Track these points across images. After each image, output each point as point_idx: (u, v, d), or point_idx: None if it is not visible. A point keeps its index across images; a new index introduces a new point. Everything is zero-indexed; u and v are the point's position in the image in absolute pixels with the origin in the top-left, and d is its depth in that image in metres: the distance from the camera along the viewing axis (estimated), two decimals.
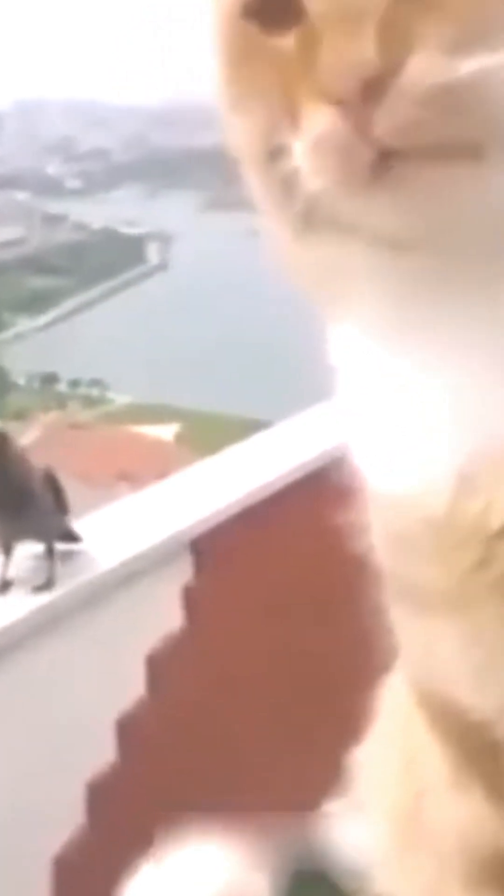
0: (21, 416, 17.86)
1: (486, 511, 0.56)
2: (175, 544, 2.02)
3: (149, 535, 2.00)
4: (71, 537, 1.92)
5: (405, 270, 0.55)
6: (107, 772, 1.90)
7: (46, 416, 17.26)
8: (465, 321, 0.55)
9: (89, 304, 24.63)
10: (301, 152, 0.52)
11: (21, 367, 21.84)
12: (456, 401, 0.56)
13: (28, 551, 1.88)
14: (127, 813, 1.91)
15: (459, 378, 0.56)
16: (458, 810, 0.71)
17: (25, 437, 12.39)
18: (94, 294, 24.76)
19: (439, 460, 0.57)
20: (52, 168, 26.29)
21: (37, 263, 24.43)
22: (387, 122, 0.49)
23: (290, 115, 0.53)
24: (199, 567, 2.06)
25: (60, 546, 1.89)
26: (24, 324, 23.66)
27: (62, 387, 21.62)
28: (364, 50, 0.48)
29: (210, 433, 13.77)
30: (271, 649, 2.14)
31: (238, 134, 0.58)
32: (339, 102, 0.49)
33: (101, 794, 1.89)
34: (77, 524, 1.96)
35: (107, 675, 1.92)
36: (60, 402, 20.82)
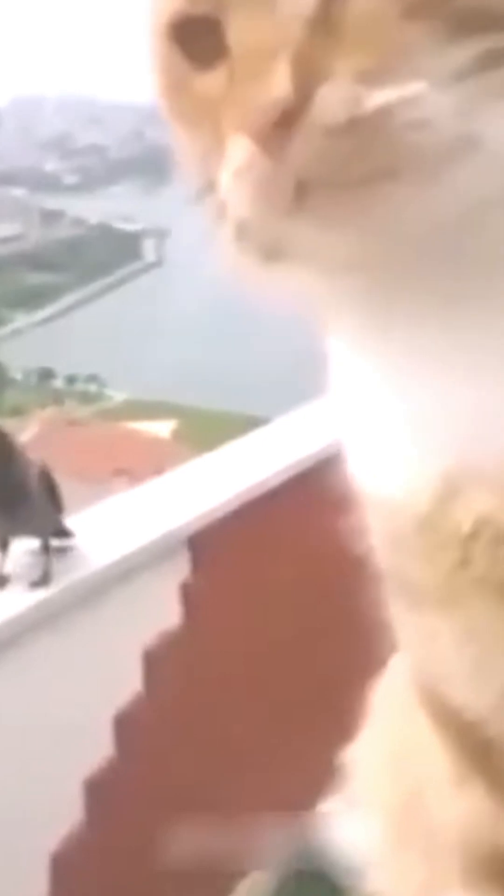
0: (18, 412, 17.88)
1: (461, 513, 0.58)
2: (172, 541, 2.02)
3: (146, 531, 2.00)
4: (64, 534, 1.92)
5: (356, 289, 0.57)
6: (104, 768, 1.89)
7: (43, 413, 17.25)
8: (432, 333, 0.56)
9: (86, 300, 24.64)
10: (225, 183, 0.54)
11: (18, 363, 21.84)
12: (438, 407, 0.57)
13: (23, 547, 1.88)
14: (125, 809, 1.91)
15: (437, 385, 0.57)
16: (459, 807, 0.71)
17: (22, 433, 12.39)
18: (92, 290, 24.77)
19: (424, 464, 0.59)
20: (50, 164, 26.29)
21: (34, 259, 24.44)
22: (300, 152, 0.50)
23: (218, 146, 0.54)
24: (197, 564, 2.05)
25: (54, 542, 1.89)
26: (21, 319, 23.67)
27: (59, 383, 21.63)
28: (278, 83, 0.49)
29: (207, 430, 13.78)
30: (269, 646, 2.14)
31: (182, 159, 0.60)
32: (256, 135, 0.51)
33: (98, 791, 1.89)
34: (74, 521, 1.96)
35: (104, 671, 1.92)
36: (57, 398, 20.84)
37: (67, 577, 1.86)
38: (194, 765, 1.99)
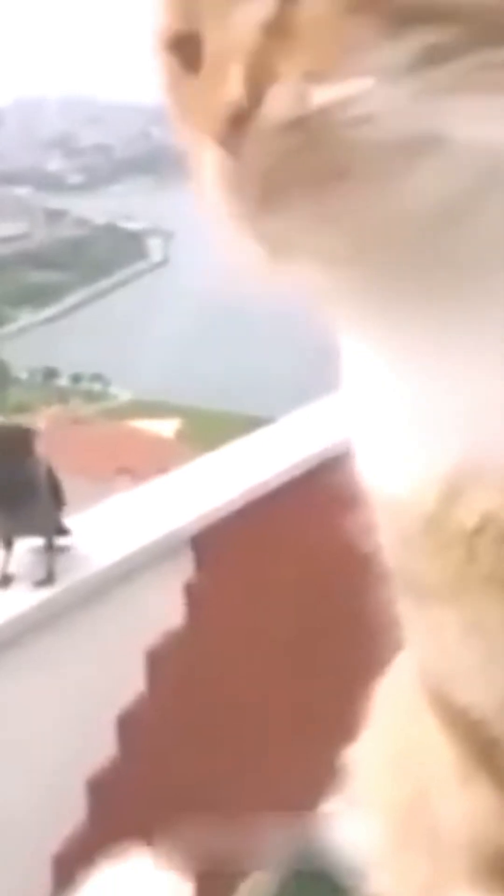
0: (22, 410, 17.90)
1: (466, 511, 0.58)
2: (176, 540, 2.02)
3: (150, 531, 2.00)
4: (61, 531, 1.91)
5: (355, 283, 0.57)
6: (107, 768, 1.90)
7: (47, 411, 17.27)
8: (433, 327, 0.56)
9: (91, 300, 24.68)
10: (207, 183, 0.55)
11: (22, 362, 21.87)
12: (443, 405, 0.58)
13: (26, 546, 1.88)
14: (127, 809, 1.91)
15: (440, 382, 0.57)
16: (465, 806, 0.72)
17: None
18: (96, 289, 24.81)
19: (430, 462, 0.59)
20: (54, 164, 26.33)
21: (38, 258, 24.47)
22: (254, 152, 0.51)
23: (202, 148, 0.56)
24: (200, 563, 2.06)
25: (58, 540, 1.89)
26: (25, 319, 23.71)
27: (63, 382, 21.67)
28: (230, 86, 0.51)
29: (211, 429, 13.79)
30: (272, 645, 2.14)
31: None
32: (215, 136, 0.52)
33: (101, 791, 1.89)
34: (78, 520, 1.96)
35: (107, 671, 1.92)
36: (62, 397, 20.87)
37: (71, 577, 1.86)
38: (197, 764, 1.99)
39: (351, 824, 0.91)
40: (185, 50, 0.55)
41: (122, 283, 24.98)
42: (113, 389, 20.98)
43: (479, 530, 0.58)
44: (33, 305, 23.93)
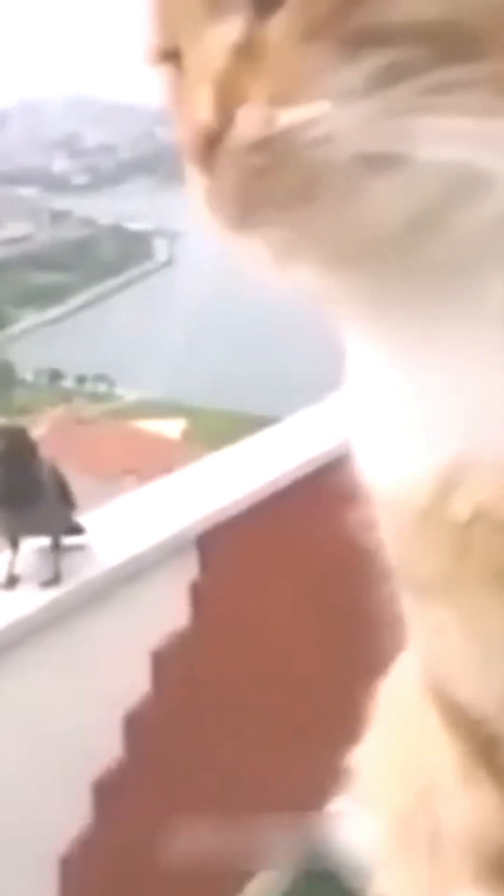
0: (27, 411, 17.92)
1: (460, 503, 0.59)
2: (182, 540, 2.02)
3: (155, 531, 2.00)
4: (75, 530, 1.91)
5: (352, 286, 0.58)
6: (113, 769, 1.90)
7: (53, 412, 17.29)
8: (425, 328, 0.57)
9: (96, 300, 24.69)
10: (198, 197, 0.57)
11: (28, 364, 21.90)
12: (437, 400, 0.58)
13: (32, 546, 1.88)
14: (134, 811, 1.91)
15: (434, 378, 0.58)
16: (468, 806, 0.72)
17: (32, 432, 12.38)
18: (102, 290, 24.82)
19: (426, 456, 0.60)
20: (58, 165, 26.35)
21: (43, 259, 24.50)
22: (226, 172, 0.53)
23: None
24: (206, 563, 2.06)
25: (65, 540, 1.89)
26: (31, 320, 23.73)
27: (69, 383, 21.69)
28: (199, 107, 0.53)
29: (217, 429, 13.80)
30: (277, 645, 2.14)
31: None
32: (190, 155, 0.54)
33: (107, 792, 1.89)
34: (83, 520, 1.96)
35: (113, 671, 1.92)
36: (67, 397, 20.89)
37: (77, 577, 1.86)
38: (202, 765, 1.99)
39: (357, 825, 0.91)
40: (175, 62, 0.57)
41: (127, 284, 25.00)
42: (118, 390, 21.00)
43: (472, 522, 0.59)
44: (38, 306, 23.96)
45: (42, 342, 22.74)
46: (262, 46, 0.52)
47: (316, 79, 0.51)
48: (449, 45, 0.50)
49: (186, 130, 0.54)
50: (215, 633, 2.07)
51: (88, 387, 21.40)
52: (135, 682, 1.95)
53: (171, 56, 0.57)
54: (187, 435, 16.05)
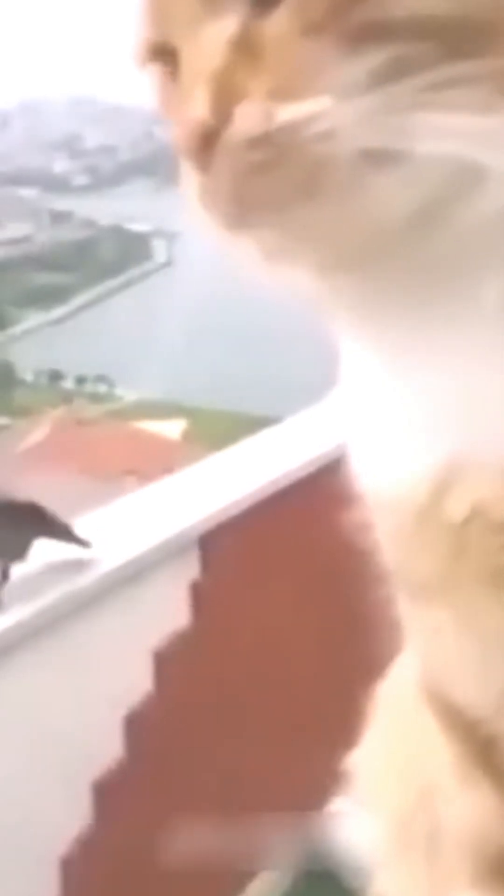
0: (28, 412, 17.90)
1: (455, 503, 0.59)
2: (183, 541, 2.02)
3: (156, 531, 2.00)
4: (79, 543, 1.88)
5: (348, 286, 0.58)
6: (114, 769, 1.90)
7: (53, 413, 17.27)
8: (421, 328, 0.57)
9: (96, 301, 24.67)
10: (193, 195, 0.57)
11: (28, 364, 21.87)
12: (432, 401, 0.59)
13: (34, 548, 1.87)
14: (134, 811, 1.91)
15: (430, 379, 0.58)
16: (466, 807, 0.72)
17: (33, 433, 12.40)
18: (102, 290, 24.80)
19: (422, 457, 0.60)
20: (59, 165, 26.33)
21: (44, 260, 24.48)
22: (223, 169, 0.53)
23: None
24: (207, 563, 2.06)
25: (69, 553, 1.86)
26: (31, 320, 23.70)
27: (69, 383, 21.66)
28: (196, 105, 0.52)
29: (218, 430, 13.78)
30: (278, 646, 2.14)
31: None
32: (185, 153, 0.54)
33: (108, 792, 1.89)
34: (84, 520, 1.96)
35: (114, 671, 1.92)
36: (67, 398, 20.86)
37: (78, 578, 1.86)
38: (203, 765, 1.99)
39: (356, 825, 0.91)
40: (166, 59, 0.56)
41: (128, 285, 24.98)
42: (118, 391, 20.97)
43: (468, 522, 0.59)
44: (38, 307, 23.92)
45: (42, 343, 22.72)
46: (260, 42, 0.52)
47: (317, 74, 0.51)
48: (451, 40, 0.50)
49: (182, 128, 0.54)
50: (216, 633, 2.07)
51: (89, 387, 21.36)
52: (136, 682, 1.95)
53: (161, 54, 0.57)
54: (188, 435, 16.02)
